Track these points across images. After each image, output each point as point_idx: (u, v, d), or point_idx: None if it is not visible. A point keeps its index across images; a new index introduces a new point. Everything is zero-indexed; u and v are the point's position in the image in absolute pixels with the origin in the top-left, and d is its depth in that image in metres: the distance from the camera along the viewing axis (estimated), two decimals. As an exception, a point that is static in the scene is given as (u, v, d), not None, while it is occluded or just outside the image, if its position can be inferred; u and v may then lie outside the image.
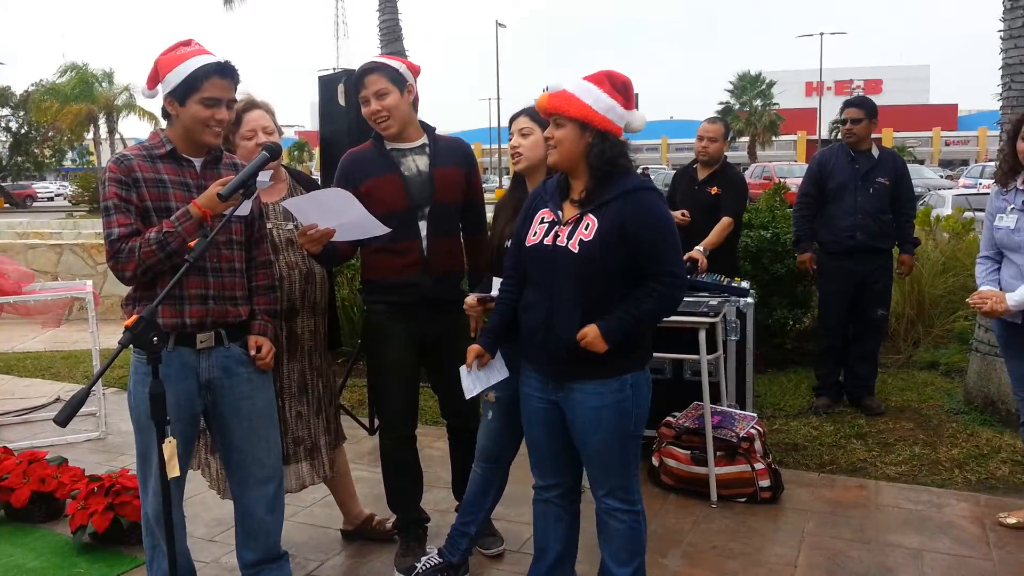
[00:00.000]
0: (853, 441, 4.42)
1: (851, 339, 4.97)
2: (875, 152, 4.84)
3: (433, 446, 4.35)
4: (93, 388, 2.01)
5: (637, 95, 2.67)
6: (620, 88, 2.43)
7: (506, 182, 38.75)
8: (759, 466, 3.68)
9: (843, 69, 55.87)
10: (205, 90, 2.49)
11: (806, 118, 48.55)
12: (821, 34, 44.05)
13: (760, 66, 50.60)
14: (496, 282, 2.73)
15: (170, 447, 2.12)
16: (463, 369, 2.64)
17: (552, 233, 2.45)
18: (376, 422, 4.42)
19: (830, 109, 41.76)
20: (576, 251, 2.38)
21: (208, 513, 3.65)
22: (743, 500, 3.68)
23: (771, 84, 42.98)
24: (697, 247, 4.58)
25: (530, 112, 2.88)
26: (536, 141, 2.84)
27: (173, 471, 2.14)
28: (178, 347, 2.55)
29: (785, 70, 51.39)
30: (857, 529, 3.44)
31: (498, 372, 2.67)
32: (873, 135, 4.89)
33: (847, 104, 4.94)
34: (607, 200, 2.39)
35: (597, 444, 2.46)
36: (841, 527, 3.46)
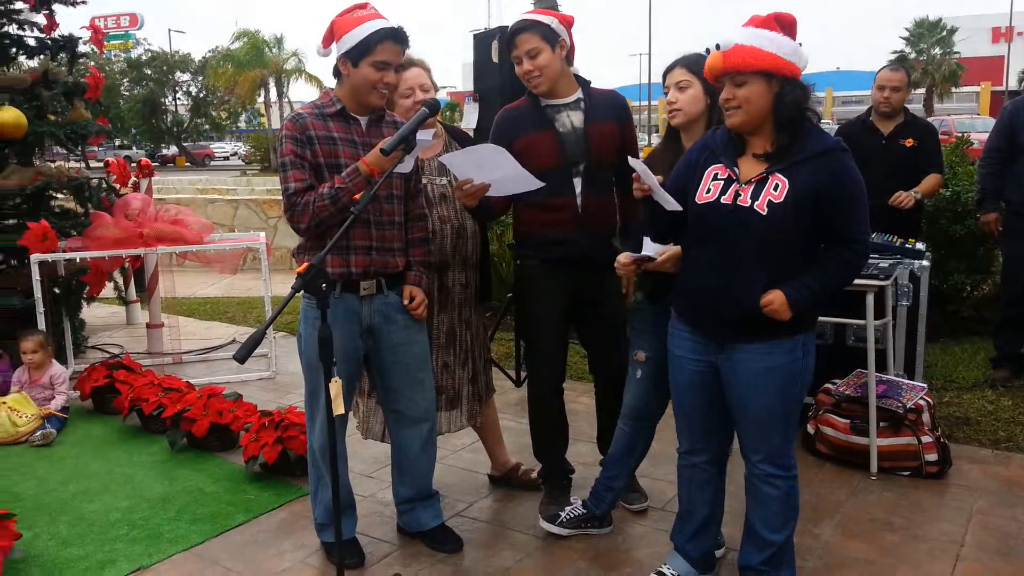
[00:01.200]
0: (1034, 418, 4.07)
1: None
2: None
3: (578, 400, 4.38)
4: (266, 331, 2.14)
5: (800, 44, 2.49)
6: (789, 28, 2.26)
7: (655, 140, 38.00)
8: (926, 439, 3.45)
9: (1038, 11, 50.22)
10: (378, 53, 2.59)
11: (992, 67, 44.10)
12: (1013, -28, 39.77)
13: (940, 10, 46.41)
14: (648, 244, 2.66)
15: (336, 386, 2.25)
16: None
17: (731, 191, 2.30)
18: (523, 374, 4.51)
19: (1020, 57, 37.96)
20: (764, 213, 2.24)
21: (367, 451, 3.86)
22: (906, 473, 3.48)
23: (952, 31, 39.45)
24: (912, 191, 4.30)
25: (687, 63, 2.74)
26: (695, 95, 2.71)
27: (339, 408, 2.27)
28: (344, 294, 2.70)
29: (969, 14, 46.85)
30: (1036, 511, 3.18)
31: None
32: None
33: None
34: (798, 160, 2.24)
35: (761, 408, 2.36)
36: (1016, 508, 3.20)
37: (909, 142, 4.51)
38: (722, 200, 2.31)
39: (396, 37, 2.63)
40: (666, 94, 2.81)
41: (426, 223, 2.94)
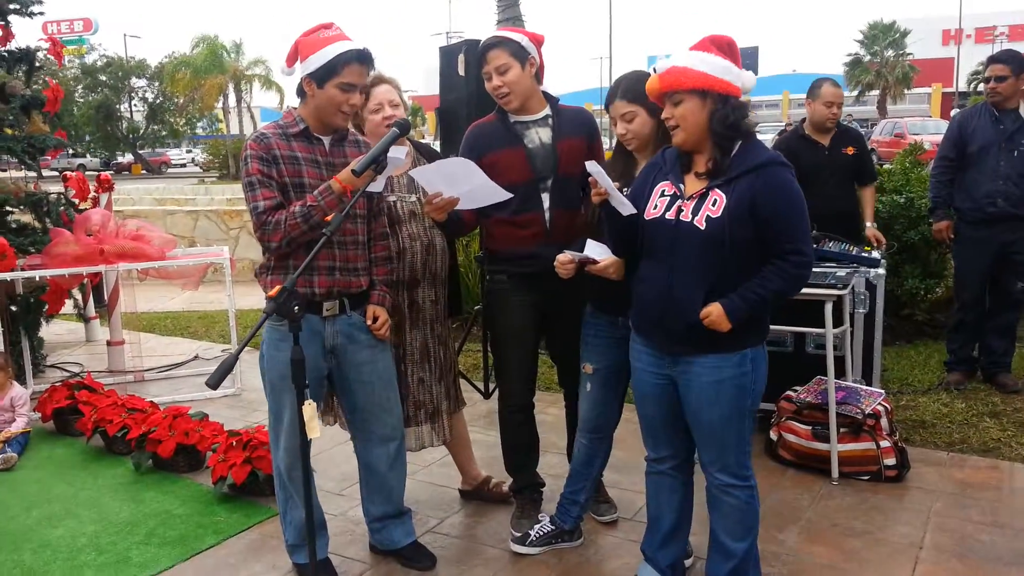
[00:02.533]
0: (986, 420, 4.20)
1: (987, 312, 4.69)
2: (1023, 111, 4.50)
3: (547, 412, 4.41)
4: (238, 356, 2.14)
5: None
6: (726, 49, 2.36)
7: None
8: (884, 444, 3.56)
9: (985, 15, 51.57)
10: (344, 75, 2.60)
11: (942, 69, 45.25)
12: (961, -24, 40.85)
13: (893, 14, 47.42)
14: (590, 244, 2.66)
15: (310, 409, 2.25)
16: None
17: (675, 207, 2.40)
18: (491, 386, 4.54)
19: (969, 59, 38.92)
20: (703, 228, 2.32)
21: (336, 468, 3.85)
22: (866, 478, 3.58)
23: (905, 33, 40.41)
24: (870, 225, 4.67)
25: (626, 94, 2.75)
26: (642, 121, 2.74)
27: (313, 432, 2.27)
28: (307, 314, 2.70)
29: (920, 17, 48.01)
30: (988, 512, 3.28)
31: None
32: None
33: (991, 60, 4.61)
34: (736, 175, 2.32)
35: (713, 420, 2.43)
36: (971, 509, 3.31)
37: (850, 150, 4.67)
38: (666, 216, 2.41)
39: (362, 59, 2.64)
40: (614, 124, 2.85)
41: (388, 242, 2.96)
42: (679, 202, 2.40)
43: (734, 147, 2.35)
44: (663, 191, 2.46)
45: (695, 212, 2.35)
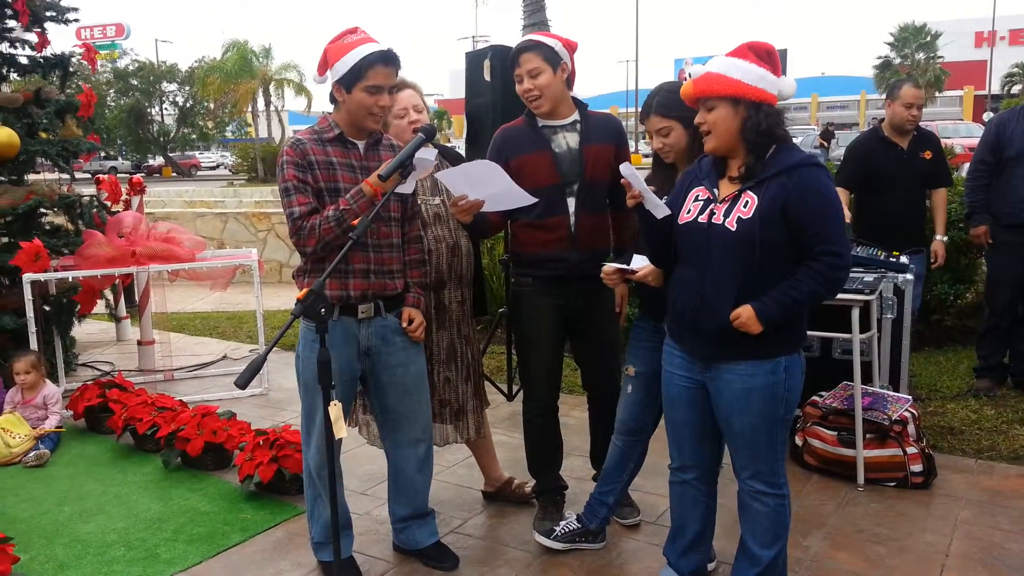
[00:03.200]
0: (1016, 427, 4.14)
1: (1019, 318, 4.62)
2: None
3: (570, 415, 4.41)
4: (266, 357, 2.18)
5: (785, 51, 2.58)
6: (764, 56, 2.34)
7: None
8: (911, 450, 3.52)
9: (1019, 16, 50.72)
10: (370, 78, 2.63)
11: (975, 71, 44.60)
12: (995, -21, 40.27)
13: (924, 16, 46.84)
14: (636, 258, 2.73)
15: (336, 409, 2.29)
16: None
17: (707, 211, 2.39)
18: (515, 388, 4.55)
19: (1003, 61, 38.38)
20: (733, 229, 2.31)
21: (361, 468, 3.89)
22: (892, 484, 3.54)
23: (936, 35, 39.90)
24: (939, 238, 4.66)
25: (660, 109, 2.76)
26: (677, 136, 2.75)
27: (340, 432, 2.31)
28: (342, 316, 2.74)
29: (952, 19, 47.35)
30: (1017, 521, 3.24)
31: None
32: None
33: None
34: (768, 176, 2.31)
35: (745, 427, 2.41)
36: (999, 517, 3.27)
37: (927, 155, 4.64)
38: (699, 219, 2.41)
39: (387, 60, 2.66)
40: (649, 139, 2.87)
41: (422, 244, 3.00)
42: (712, 205, 2.40)
43: (767, 153, 2.34)
44: (697, 196, 2.46)
45: (727, 214, 2.35)
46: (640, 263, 2.70)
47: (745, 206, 2.32)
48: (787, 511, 2.52)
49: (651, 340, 2.90)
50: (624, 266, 2.73)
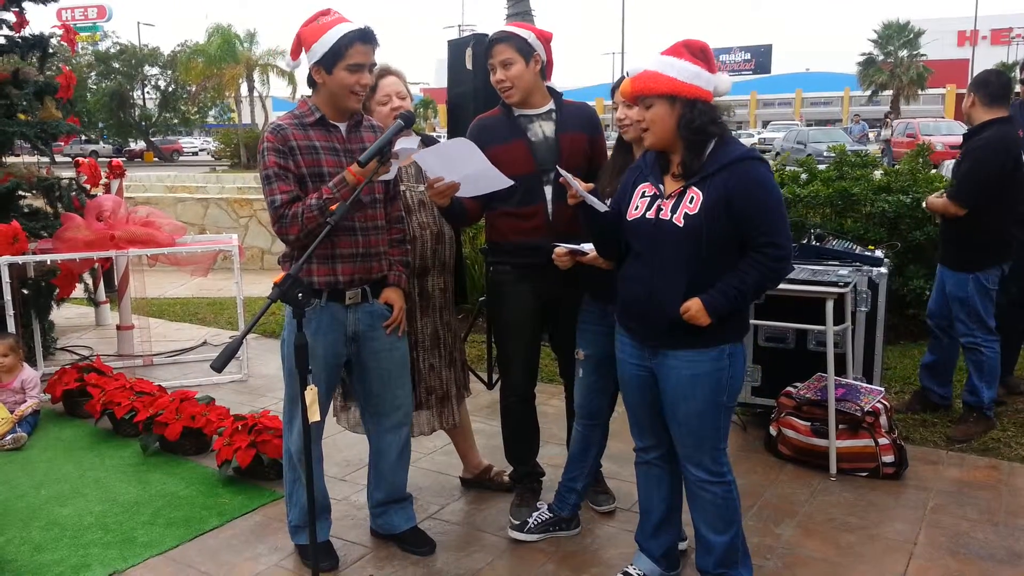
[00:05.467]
0: (988, 420, 4.21)
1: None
2: None
3: (549, 403, 4.45)
4: (243, 340, 2.19)
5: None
6: (699, 54, 2.40)
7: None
8: (883, 441, 3.58)
9: (1001, 16, 51.20)
10: (350, 57, 2.63)
11: (957, 70, 45.04)
12: (979, -22, 40.54)
13: (908, 13, 47.19)
14: (587, 245, 2.78)
15: (311, 394, 2.30)
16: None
17: (655, 207, 2.45)
18: (495, 377, 4.58)
19: (985, 60, 38.63)
20: (681, 225, 2.37)
21: (340, 455, 3.90)
22: (864, 475, 3.61)
23: (919, 33, 40.14)
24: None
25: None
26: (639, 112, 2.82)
27: (314, 416, 2.32)
28: (330, 302, 2.75)
29: (935, 18, 47.73)
30: (985, 511, 3.31)
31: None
32: None
33: None
34: (711, 172, 2.37)
35: (689, 413, 2.47)
36: (967, 507, 3.34)
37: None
38: (647, 215, 2.46)
39: (365, 38, 2.67)
40: (615, 110, 2.91)
41: (403, 225, 3.03)
42: (659, 201, 2.45)
43: (705, 148, 2.40)
44: (643, 192, 2.51)
45: (673, 210, 2.40)
46: (589, 246, 2.76)
47: (691, 202, 2.37)
48: (734, 496, 2.57)
49: (600, 323, 2.96)
50: (575, 247, 2.79)
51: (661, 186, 2.47)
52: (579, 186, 2.52)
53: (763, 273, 2.38)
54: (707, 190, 2.36)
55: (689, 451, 2.54)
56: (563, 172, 2.53)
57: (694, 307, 2.36)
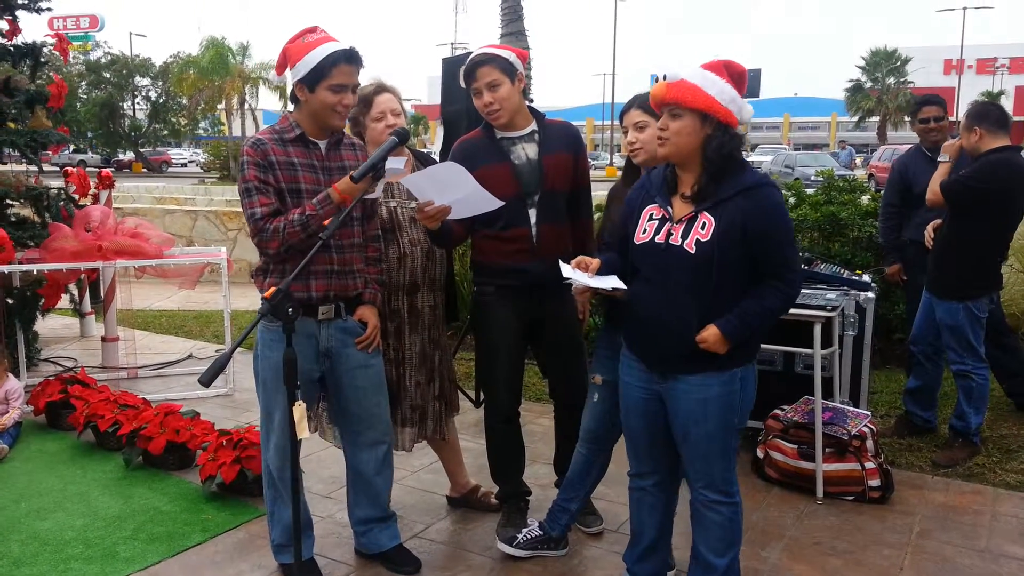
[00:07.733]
0: (973, 445, 4.23)
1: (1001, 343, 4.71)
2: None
3: (536, 422, 4.44)
4: (231, 355, 2.17)
5: (759, 71, 2.64)
6: (737, 79, 2.39)
7: (617, 160, 38.40)
8: (869, 465, 3.59)
9: (986, 46, 51.97)
10: (333, 77, 2.64)
11: (943, 97, 45.54)
12: (964, 9, 41.22)
13: (895, 41, 47.85)
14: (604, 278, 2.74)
15: (300, 410, 2.28)
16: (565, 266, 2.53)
17: (664, 231, 2.41)
18: (482, 396, 4.56)
19: (970, 89, 39.17)
20: (692, 252, 2.34)
21: (324, 471, 3.87)
22: (850, 498, 3.61)
23: (906, 60, 40.75)
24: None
25: (642, 105, 2.85)
26: (653, 134, 2.82)
27: (303, 432, 2.30)
28: (302, 317, 2.73)
29: (922, 46, 48.38)
30: (970, 536, 3.32)
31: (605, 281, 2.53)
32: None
33: (924, 102, 4.88)
34: (725, 197, 2.34)
35: (700, 437, 2.45)
36: (952, 532, 3.35)
37: None
38: (656, 240, 2.42)
39: (350, 59, 2.67)
40: (625, 134, 2.92)
41: (380, 243, 3.01)
42: (668, 225, 2.42)
43: (726, 174, 2.37)
44: (651, 215, 2.47)
45: (684, 236, 2.37)
46: (610, 283, 2.67)
47: (703, 228, 2.34)
48: (740, 518, 2.56)
49: (614, 348, 2.93)
50: (595, 284, 2.73)
51: (670, 208, 2.43)
52: (584, 279, 2.44)
53: (782, 300, 2.38)
54: (720, 215, 2.33)
55: (699, 472, 2.51)
56: (566, 272, 2.45)
57: (711, 337, 2.33)
